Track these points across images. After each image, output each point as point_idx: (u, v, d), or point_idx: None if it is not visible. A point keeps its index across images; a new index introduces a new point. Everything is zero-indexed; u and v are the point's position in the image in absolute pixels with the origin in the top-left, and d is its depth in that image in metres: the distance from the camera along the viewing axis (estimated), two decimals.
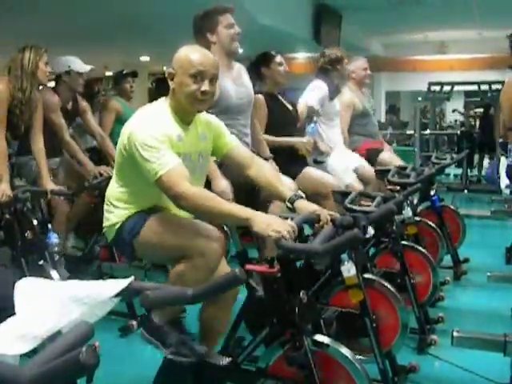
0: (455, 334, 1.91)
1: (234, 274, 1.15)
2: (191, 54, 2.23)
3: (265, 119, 3.66)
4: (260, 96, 3.61)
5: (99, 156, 5.34)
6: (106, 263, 3.42)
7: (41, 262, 3.12)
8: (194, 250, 2.11)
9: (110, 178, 3.65)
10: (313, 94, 4.18)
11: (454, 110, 13.77)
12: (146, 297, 1.12)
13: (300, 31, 8.70)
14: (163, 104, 2.28)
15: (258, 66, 3.77)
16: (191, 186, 2.09)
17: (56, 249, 3.15)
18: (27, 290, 1.11)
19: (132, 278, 1.20)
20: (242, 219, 2.01)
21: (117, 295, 1.14)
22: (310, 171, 3.76)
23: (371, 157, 4.60)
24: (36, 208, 3.52)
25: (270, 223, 1.95)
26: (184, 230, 2.17)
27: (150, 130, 2.14)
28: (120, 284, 1.16)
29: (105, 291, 1.13)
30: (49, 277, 3.02)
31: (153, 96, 5.28)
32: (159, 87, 5.39)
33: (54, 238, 3.16)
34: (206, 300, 1.97)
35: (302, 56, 13.16)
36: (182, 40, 8.23)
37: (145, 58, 11.97)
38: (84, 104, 4.27)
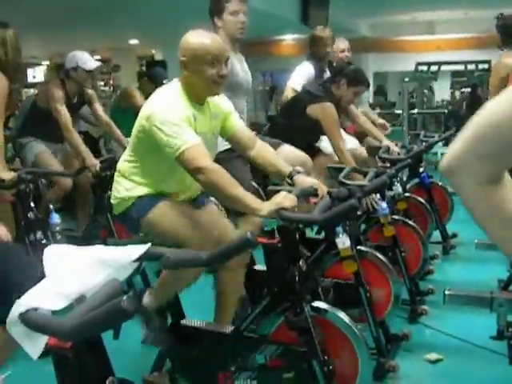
0: (447, 292, 2.04)
1: (246, 238, 1.25)
2: (202, 41, 2.26)
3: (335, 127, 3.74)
4: (330, 104, 3.70)
5: (91, 139, 5.43)
6: (111, 239, 3.51)
7: (43, 241, 3.20)
8: (191, 243, 2.22)
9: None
10: (297, 77, 4.26)
11: (443, 100, 13.91)
12: (167, 259, 1.22)
13: (288, 13, 8.72)
14: (176, 86, 2.33)
15: (338, 77, 3.79)
16: (212, 162, 2.17)
17: (57, 228, 3.23)
18: (56, 255, 1.20)
19: (149, 244, 1.30)
20: (252, 208, 2.08)
21: (137, 259, 1.24)
22: (285, 148, 3.82)
23: (359, 135, 4.70)
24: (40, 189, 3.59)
25: (273, 201, 2.04)
26: (186, 223, 2.29)
27: (171, 109, 2.20)
28: (140, 249, 1.26)
29: (127, 255, 1.22)
30: None
31: (141, 78, 5.33)
32: (149, 70, 5.45)
33: (55, 218, 3.24)
34: (220, 263, 2.08)
35: (289, 38, 13.17)
36: (171, 22, 8.16)
37: (134, 42, 11.91)
38: (90, 93, 4.31)
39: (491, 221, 0.90)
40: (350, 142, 4.47)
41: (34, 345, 1.10)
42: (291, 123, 3.77)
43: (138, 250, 1.24)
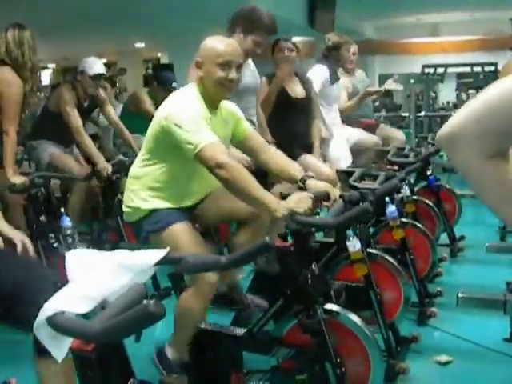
0: (460, 294, 2.06)
1: (264, 242, 1.27)
2: (218, 44, 2.35)
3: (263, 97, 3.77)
4: (263, 78, 3.76)
5: (99, 143, 5.47)
6: (123, 243, 3.54)
7: (55, 245, 3.23)
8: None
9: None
10: (316, 79, 4.29)
11: (448, 102, 13.91)
12: (187, 263, 1.24)
13: (295, 16, 8.75)
14: (192, 89, 2.39)
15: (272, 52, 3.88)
16: (232, 159, 2.20)
17: (69, 232, 3.25)
18: (79, 260, 1.23)
19: (168, 248, 1.33)
20: (268, 208, 2.10)
21: (157, 263, 1.26)
22: (307, 158, 3.86)
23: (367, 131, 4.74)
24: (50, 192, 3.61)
25: (288, 204, 2.06)
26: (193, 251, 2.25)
27: (188, 109, 2.26)
28: (159, 253, 1.28)
29: (147, 259, 1.24)
30: (63, 259, 3.13)
31: (149, 81, 5.38)
32: (156, 73, 5.49)
33: (67, 222, 3.26)
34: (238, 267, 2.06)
35: (296, 40, 13.18)
36: (176, 26, 8.16)
37: (139, 45, 11.97)
38: (103, 95, 4.35)
39: (494, 195, 0.88)
40: (357, 133, 4.52)
41: (59, 347, 1.13)
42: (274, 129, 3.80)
43: (158, 254, 1.27)
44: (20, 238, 1.92)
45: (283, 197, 2.14)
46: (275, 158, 2.57)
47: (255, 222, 2.46)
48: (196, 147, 2.16)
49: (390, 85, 4.99)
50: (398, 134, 5.18)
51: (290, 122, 3.80)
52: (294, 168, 2.55)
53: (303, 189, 2.38)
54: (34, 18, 7.42)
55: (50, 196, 3.70)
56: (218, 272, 2.21)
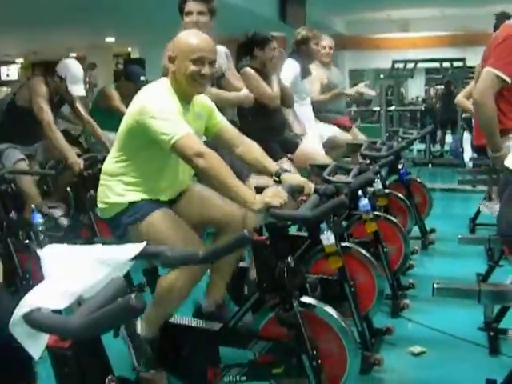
0: (435, 285, 2.09)
1: (242, 235, 1.27)
2: (192, 39, 2.33)
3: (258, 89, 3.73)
4: (248, 68, 3.73)
5: (70, 138, 5.38)
6: (97, 238, 3.49)
7: (26, 242, 3.17)
8: None
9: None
10: (287, 73, 4.29)
11: (417, 97, 14.13)
12: (165, 256, 1.23)
13: (266, 11, 8.74)
14: (165, 83, 2.36)
15: (252, 45, 3.83)
16: (211, 150, 2.18)
17: (40, 228, 3.19)
18: (54, 256, 1.21)
19: (145, 242, 1.31)
20: (244, 201, 2.09)
21: (135, 257, 1.25)
22: (305, 147, 3.89)
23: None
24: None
25: (263, 198, 2.05)
26: (176, 236, 2.26)
27: (162, 101, 2.24)
28: (136, 248, 1.27)
29: (124, 254, 1.23)
30: (35, 255, 3.08)
31: (119, 76, 5.31)
32: (126, 68, 5.44)
33: (38, 218, 3.20)
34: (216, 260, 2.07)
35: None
36: (148, 20, 8.08)
37: (110, 39, 11.80)
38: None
39: None
40: (331, 130, 4.54)
41: (36, 344, 1.10)
42: (248, 125, 3.78)
43: (136, 248, 1.26)
44: None
45: (258, 190, 2.13)
46: (251, 149, 2.56)
47: (229, 228, 2.42)
48: (173, 137, 2.13)
49: (363, 88, 5.04)
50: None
51: (268, 117, 3.80)
52: (269, 161, 2.54)
53: (278, 182, 2.39)
54: (2, 13, 7.29)
55: (20, 192, 3.65)
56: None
